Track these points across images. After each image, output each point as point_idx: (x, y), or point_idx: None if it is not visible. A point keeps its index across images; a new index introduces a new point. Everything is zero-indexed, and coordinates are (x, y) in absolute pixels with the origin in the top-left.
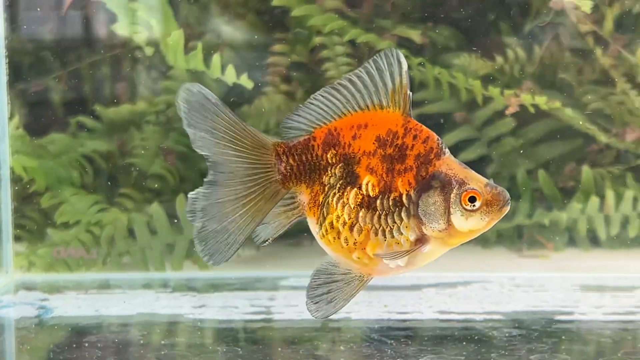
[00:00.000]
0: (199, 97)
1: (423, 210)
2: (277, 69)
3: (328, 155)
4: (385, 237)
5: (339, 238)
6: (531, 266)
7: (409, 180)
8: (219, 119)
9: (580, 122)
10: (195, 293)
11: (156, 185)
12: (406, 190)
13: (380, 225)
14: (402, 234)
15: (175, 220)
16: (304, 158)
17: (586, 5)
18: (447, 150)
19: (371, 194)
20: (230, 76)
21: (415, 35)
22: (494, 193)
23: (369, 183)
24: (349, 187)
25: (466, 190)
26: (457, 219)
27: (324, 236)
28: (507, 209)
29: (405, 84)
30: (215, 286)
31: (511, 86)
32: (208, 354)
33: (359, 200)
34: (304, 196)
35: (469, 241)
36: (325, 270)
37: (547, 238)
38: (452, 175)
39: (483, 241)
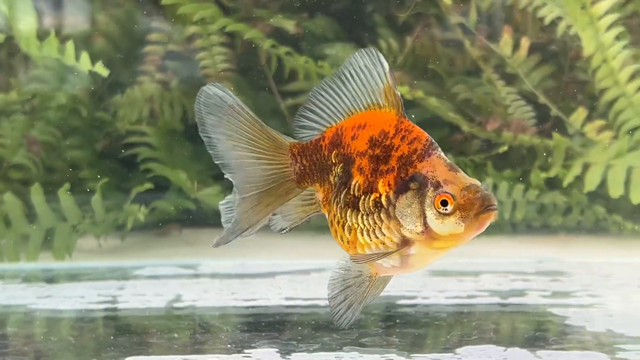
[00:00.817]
0: (216, 100)
1: (400, 212)
2: (152, 58)
3: (332, 155)
4: (370, 237)
5: (337, 236)
6: None
7: (389, 182)
8: (235, 121)
9: (449, 112)
10: (44, 284)
11: (19, 176)
12: (385, 192)
13: (365, 225)
14: (384, 235)
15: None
16: (314, 158)
17: None
18: (435, 152)
19: (357, 194)
20: (85, 64)
21: (290, 25)
22: (468, 197)
23: (356, 183)
24: (343, 187)
25: (439, 193)
26: (432, 222)
27: (333, 233)
28: (487, 216)
29: (392, 84)
30: (71, 276)
31: None
32: (39, 344)
33: (348, 199)
34: (319, 194)
35: (325, 227)
36: (340, 277)
37: None
38: (431, 177)
39: None
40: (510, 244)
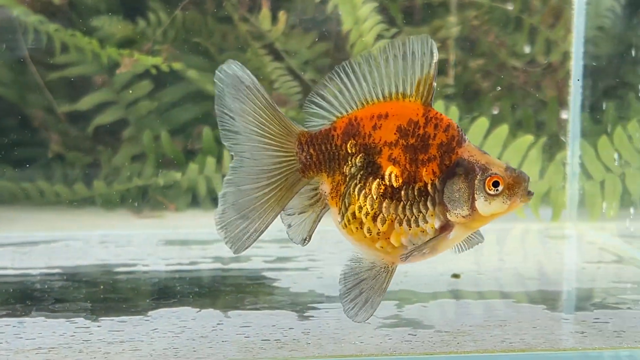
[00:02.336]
0: (234, 79)
1: (448, 197)
2: None
3: (347, 145)
4: (410, 227)
5: (361, 228)
6: (146, 225)
7: (433, 170)
8: (251, 103)
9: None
10: None
11: None
12: (431, 180)
13: (405, 215)
14: (427, 222)
15: None
16: (323, 148)
17: None
18: (466, 137)
19: (394, 184)
20: None
21: None
22: (514, 176)
23: (392, 174)
24: (370, 178)
25: (490, 176)
26: (481, 204)
27: (346, 226)
28: (528, 189)
29: (432, 75)
30: None
31: (153, 50)
32: None
33: (382, 190)
34: (325, 186)
35: (92, 203)
36: (351, 271)
37: (170, 199)
38: (475, 161)
39: (107, 202)
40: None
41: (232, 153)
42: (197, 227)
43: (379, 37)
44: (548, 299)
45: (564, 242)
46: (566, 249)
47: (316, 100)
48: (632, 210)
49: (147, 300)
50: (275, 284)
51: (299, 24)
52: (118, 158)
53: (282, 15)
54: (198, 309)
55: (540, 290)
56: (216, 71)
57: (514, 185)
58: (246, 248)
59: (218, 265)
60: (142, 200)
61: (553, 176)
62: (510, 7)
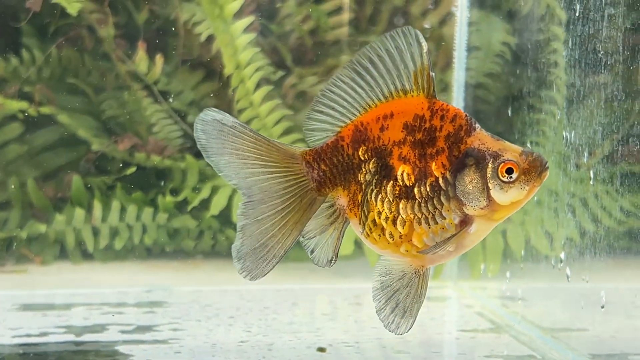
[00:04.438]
0: (215, 124)
1: (461, 191)
2: None
3: (359, 153)
4: (429, 225)
5: (384, 234)
6: (4, 284)
7: (442, 163)
8: (240, 140)
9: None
10: None
11: None
12: (441, 173)
13: (422, 213)
14: (445, 218)
15: None
16: (335, 160)
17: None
18: (477, 125)
19: (407, 183)
20: None
21: None
22: (530, 160)
23: (403, 172)
24: (385, 181)
25: (503, 162)
26: (496, 193)
27: (368, 235)
28: (547, 174)
29: (427, 65)
30: None
31: (25, 89)
32: None
33: (397, 191)
34: (342, 199)
35: None
36: (381, 285)
37: (36, 251)
38: (485, 149)
39: None
40: (142, 270)
41: (240, 191)
42: (60, 285)
43: (264, 80)
44: None
45: (443, 305)
46: (444, 314)
47: (315, 116)
48: (508, 274)
49: None
50: None
51: (181, 64)
52: None
53: (159, 59)
54: None
55: None
56: (195, 124)
57: (530, 170)
58: (263, 275)
59: (70, 337)
60: (5, 252)
61: None
62: None
